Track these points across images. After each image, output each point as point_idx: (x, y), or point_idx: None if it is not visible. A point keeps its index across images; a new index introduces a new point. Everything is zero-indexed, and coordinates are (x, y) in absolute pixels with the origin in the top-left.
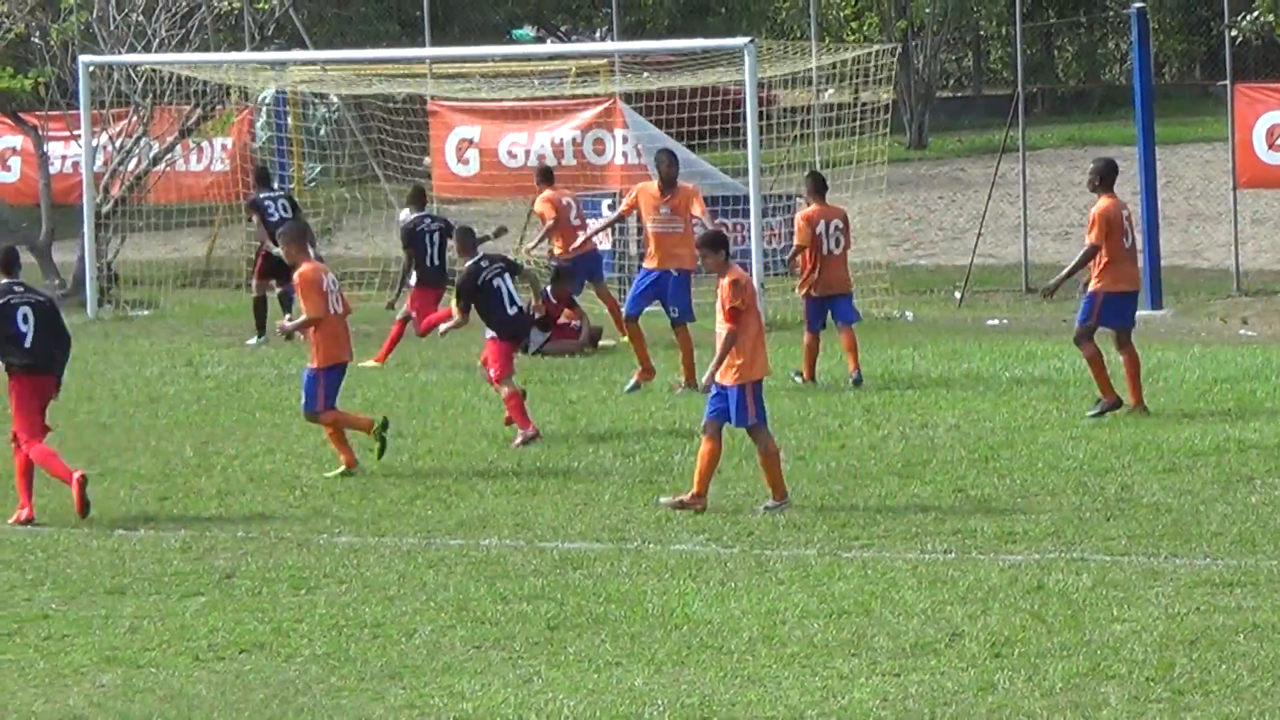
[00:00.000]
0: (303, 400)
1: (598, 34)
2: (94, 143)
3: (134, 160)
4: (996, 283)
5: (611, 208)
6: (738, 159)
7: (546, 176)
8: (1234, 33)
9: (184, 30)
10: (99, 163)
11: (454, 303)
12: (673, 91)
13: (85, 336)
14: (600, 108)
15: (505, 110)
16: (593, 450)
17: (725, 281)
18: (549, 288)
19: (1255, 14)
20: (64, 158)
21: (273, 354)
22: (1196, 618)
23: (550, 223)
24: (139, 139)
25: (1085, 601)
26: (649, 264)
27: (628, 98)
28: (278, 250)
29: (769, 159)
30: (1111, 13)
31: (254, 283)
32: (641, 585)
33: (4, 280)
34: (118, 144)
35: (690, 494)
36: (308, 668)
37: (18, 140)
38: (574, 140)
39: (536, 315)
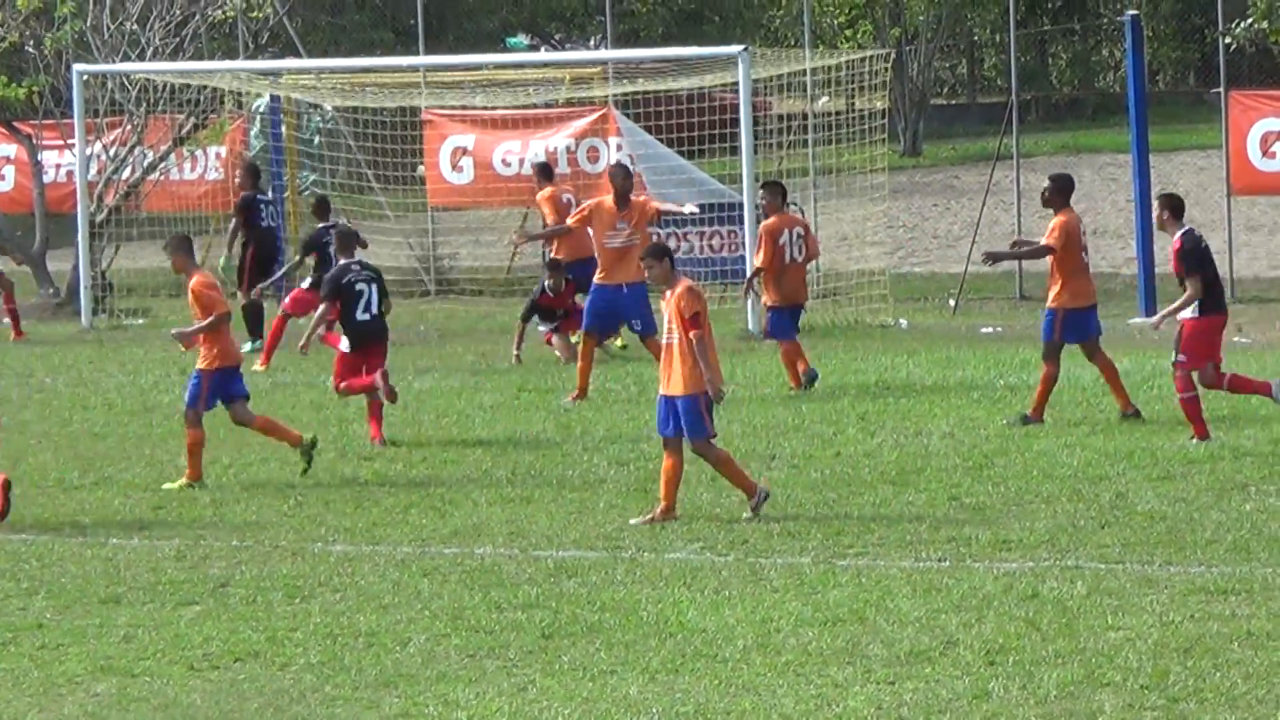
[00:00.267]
0: (185, 398)
1: (591, 42)
2: (88, 151)
3: (128, 169)
4: (991, 290)
5: None
6: (732, 167)
7: (546, 174)
8: (1228, 40)
9: (178, 39)
10: (93, 171)
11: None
12: (667, 99)
13: (80, 345)
14: (594, 116)
15: (499, 119)
16: (587, 459)
17: (680, 290)
18: (547, 282)
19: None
20: (58, 166)
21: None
22: (1191, 625)
23: (554, 224)
24: (133, 148)
25: (1080, 609)
26: (604, 280)
27: (622, 106)
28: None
29: (763, 167)
30: (1106, 20)
31: (241, 289)
32: (636, 594)
33: None
34: (112, 153)
35: (660, 509)
36: (302, 676)
37: (12, 149)
38: (568, 148)
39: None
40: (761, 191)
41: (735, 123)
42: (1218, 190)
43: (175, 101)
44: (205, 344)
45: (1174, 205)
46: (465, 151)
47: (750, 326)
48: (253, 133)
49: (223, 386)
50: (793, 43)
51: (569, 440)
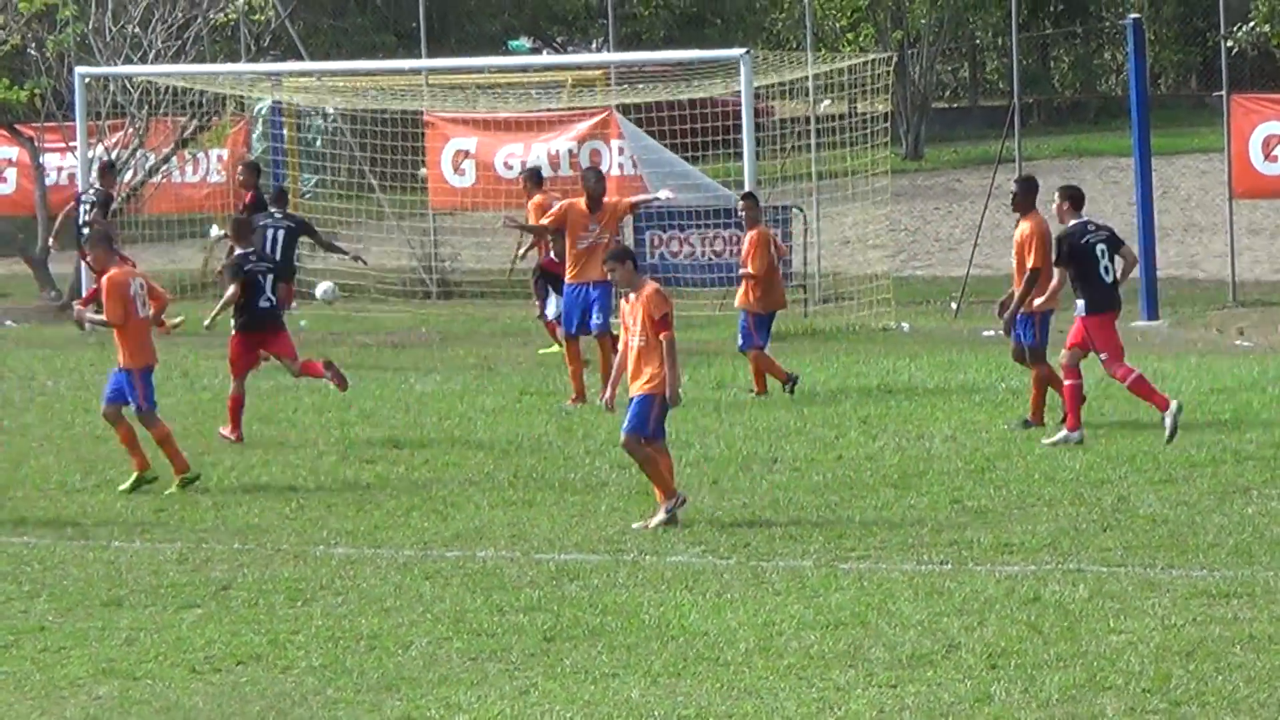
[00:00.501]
0: (134, 402)
1: (594, 45)
2: (90, 154)
3: (130, 172)
4: (993, 294)
5: None
6: (734, 170)
7: (536, 181)
8: (1230, 43)
9: (180, 42)
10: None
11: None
12: (669, 103)
13: (81, 348)
14: (596, 119)
15: (501, 122)
16: (589, 462)
17: (649, 292)
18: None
19: (1251, 24)
20: (60, 169)
21: (268, 365)
22: (1193, 629)
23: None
24: (135, 150)
25: (1082, 613)
26: (574, 279)
27: (624, 109)
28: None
29: (765, 170)
30: (1107, 23)
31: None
32: (638, 597)
33: None
34: (113, 155)
35: (663, 506)
36: (304, 679)
37: (14, 152)
38: (570, 151)
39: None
40: (742, 202)
41: (738, 127)
42: (1220, 194)
43: (177, 104)
44: (125, 343)
45: (1073, 196)
46: (467, 154)
47: None
48: (255, 135)
49: (129, 384)
50: (795, 46)
51: (571, 443)
